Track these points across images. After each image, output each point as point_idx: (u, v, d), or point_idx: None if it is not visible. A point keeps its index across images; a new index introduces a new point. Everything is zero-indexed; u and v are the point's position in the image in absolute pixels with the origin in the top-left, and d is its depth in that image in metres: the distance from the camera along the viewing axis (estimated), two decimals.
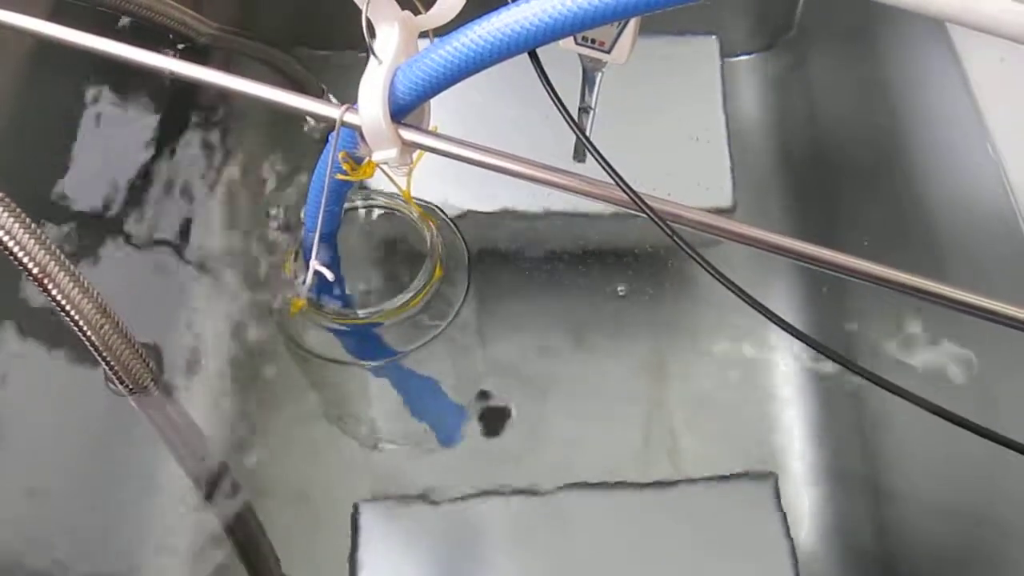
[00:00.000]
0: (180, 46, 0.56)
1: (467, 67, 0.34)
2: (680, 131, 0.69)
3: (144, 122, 0.61)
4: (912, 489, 0.59)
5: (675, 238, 0.32)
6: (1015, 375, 0.51)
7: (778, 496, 0.59)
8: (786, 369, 0.67)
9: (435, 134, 0.37)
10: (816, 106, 0.76)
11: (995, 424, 0.47)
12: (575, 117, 0.51)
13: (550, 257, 0.69)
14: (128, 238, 0.60)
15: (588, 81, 0.49)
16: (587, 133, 0.53)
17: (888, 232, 0.63)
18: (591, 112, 0.51)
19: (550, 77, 0.38)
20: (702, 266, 0.33)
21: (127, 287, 0.57)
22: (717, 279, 0.33)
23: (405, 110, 0.36)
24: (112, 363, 0.39)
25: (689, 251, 0.32)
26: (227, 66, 0.61)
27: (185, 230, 0.62)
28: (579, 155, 0.55)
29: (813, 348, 0.34)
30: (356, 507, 0.58)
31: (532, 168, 0.36)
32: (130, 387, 0.40)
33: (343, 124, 0.37)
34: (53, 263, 0.37)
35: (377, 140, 0.36)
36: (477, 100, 0.67)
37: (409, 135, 0.36)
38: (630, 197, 0.33)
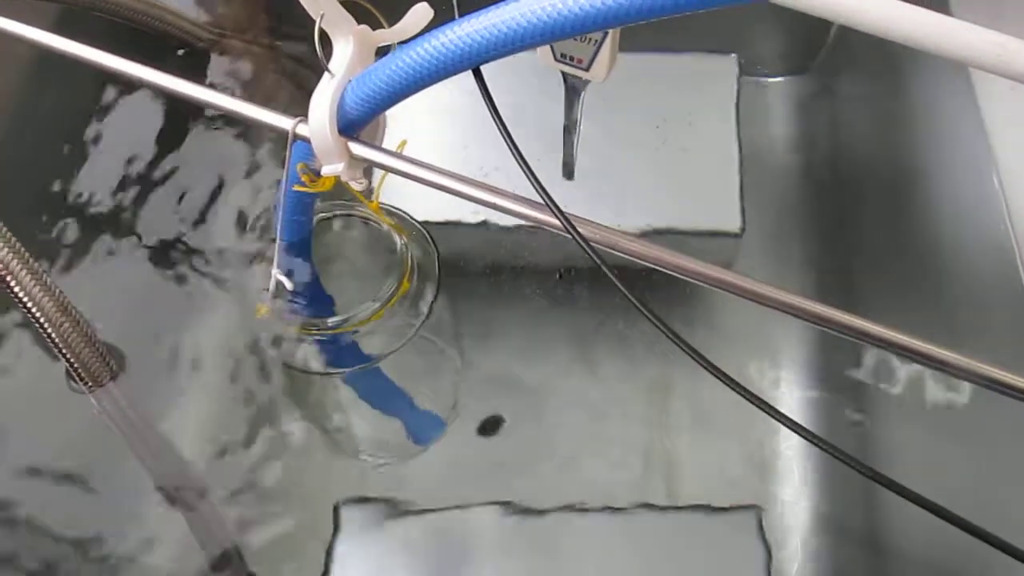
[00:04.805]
0: (180, 51, 0.57)
1: (415, 82, 0.34)
2: (691, 150, 0.67)
3: (148, 125, 0.62)
4: (908, 529, 0.57)
5: (604, 267, 0.32)
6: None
7: (762, 528, 0.58)
8: (790, 398, 0.66)
9: (384, 150, 0.37)
10: (838, 134, 0.74)
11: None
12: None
13: (535, 271, 0.68)
14: (123, 238, 0.61)
15: (573, 97, 0.49)
16: (574, 151, 0.52)
17: (896, 267, 0.61)
18: (576, 130, 0.50)
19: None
20: (635, 305, 0.32)
21: (114, 286, 0.59)
22: (656, 325, 0.32)
23: (355, 124, 0.36)
24: (71, 360, 0.40)
25: (621, 287, 0.32)
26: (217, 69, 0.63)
27: (180, 233, 0.62)
28: (568, 173, 0.54)
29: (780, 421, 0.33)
30: (337, 507, 0.59)
31: (477, 189, 0.36)
32: (88, 384, 0.41)
33: (296, 137, 0.37)
34: (15, 259, 0.38)
35: (325, 153, 0.36)
36: (470, 115, 0.66)
37: (358, 150, 0.36)
38: (562, 223, 0.32)
